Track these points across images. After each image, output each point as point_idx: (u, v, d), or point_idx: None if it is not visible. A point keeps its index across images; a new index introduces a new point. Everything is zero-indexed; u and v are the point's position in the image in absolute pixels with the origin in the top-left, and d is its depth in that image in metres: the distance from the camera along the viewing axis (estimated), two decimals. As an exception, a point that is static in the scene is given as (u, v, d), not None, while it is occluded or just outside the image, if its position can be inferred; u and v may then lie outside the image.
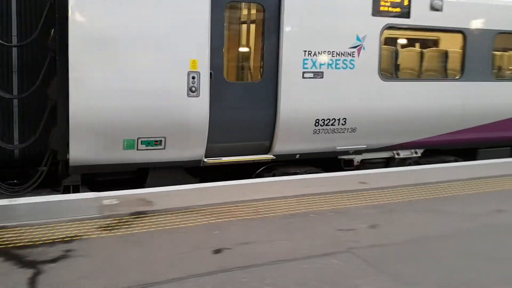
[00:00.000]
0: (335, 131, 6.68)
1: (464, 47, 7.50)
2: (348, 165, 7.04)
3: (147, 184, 5.94)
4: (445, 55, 7.94)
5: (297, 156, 6.69)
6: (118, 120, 5.49)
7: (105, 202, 4.62)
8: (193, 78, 5.77)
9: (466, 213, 4.94)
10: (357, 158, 7.10)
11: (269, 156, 6.46)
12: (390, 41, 7.82)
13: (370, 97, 6.80)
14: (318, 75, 6.43)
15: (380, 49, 6.85)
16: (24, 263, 3.48)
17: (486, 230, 4.52)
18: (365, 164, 7.13)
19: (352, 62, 6.61)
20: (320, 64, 6.41)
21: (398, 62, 7.76)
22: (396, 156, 7.30)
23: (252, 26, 6.85)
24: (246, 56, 7.04)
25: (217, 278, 3.40)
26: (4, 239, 3.84)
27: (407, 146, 7.38)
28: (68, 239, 3.90)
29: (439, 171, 6.48)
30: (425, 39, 8.73)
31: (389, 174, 6.25)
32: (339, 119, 6.65)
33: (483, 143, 8.04)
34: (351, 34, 6.60)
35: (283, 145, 6.43)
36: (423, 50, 8.27)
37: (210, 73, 5.86)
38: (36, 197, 4.76)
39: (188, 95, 5.75)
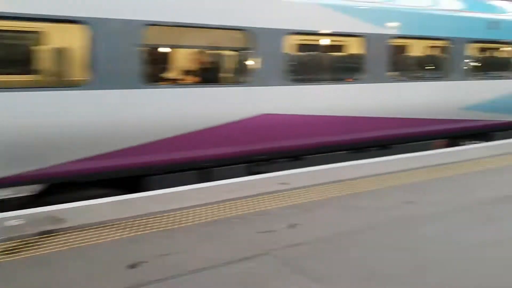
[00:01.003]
0: None
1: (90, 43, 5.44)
2: None
3: None
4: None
5: None
6: None
7: (10, 222, 4.30)
8: None
9: (376, 207, 5.16)
10: None
11: None
12: None
13: None
14: None
15: None
16: None
17: (395, 221, 4.74)
18: None
19: None
20: None
21: None
22: None
23: None
24: None
25: (131, 294, 3.29)
26: None
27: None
28: (-34, 267, 3.60)
29: (353, 168, 6.68)
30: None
31: (310, 173, 6.36)
32: None
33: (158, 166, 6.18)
34: None
35: None
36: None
37: None
38: None
39: None
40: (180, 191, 5.43)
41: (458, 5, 9.21)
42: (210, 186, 5.70)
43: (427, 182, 6.18)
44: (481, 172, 6.74)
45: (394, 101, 8.21)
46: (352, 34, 7.70)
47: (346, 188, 5.79)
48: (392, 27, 8.03)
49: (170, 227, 4.52)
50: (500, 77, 10.14)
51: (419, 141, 8.75)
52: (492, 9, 10.03)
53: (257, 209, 5.07)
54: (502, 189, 5.88)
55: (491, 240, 4.30)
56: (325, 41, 8.58)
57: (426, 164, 7.06)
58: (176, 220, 4.69)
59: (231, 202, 5.24)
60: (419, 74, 9.42)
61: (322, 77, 7.83)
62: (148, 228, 4.47)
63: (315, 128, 7.36)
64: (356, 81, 7.84)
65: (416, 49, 10.36)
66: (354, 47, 8.37)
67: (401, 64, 9.00)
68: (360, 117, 7.79)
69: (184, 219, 4.73)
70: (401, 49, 9.86)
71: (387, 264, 3.80)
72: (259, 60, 6.73)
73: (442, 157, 7.59)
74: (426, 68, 9.74)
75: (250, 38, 6.62)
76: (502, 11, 10.24)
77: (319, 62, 8.06)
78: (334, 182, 6.02)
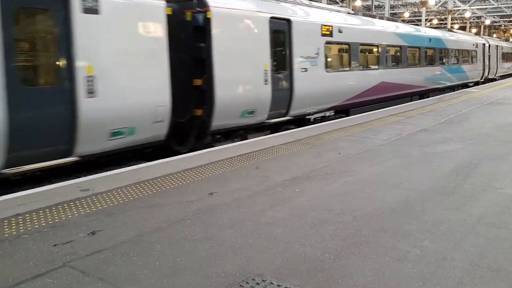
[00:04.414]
0: None
1: None
2: None
3: None
4: None
5: None
6: None
7: None
8: None
9: (181, 202, 5.28)
10: None
11: None
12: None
13: None
14: None
15: None
16: None
17: (200, 213, 4.94)
18: None
19: None
20: None
21: None
22: None
23: None
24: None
25: None
26: None
27: None
28: None
29: (160, 166, 6.75)
30: None
31: (111, 176, 6.19)
32: None
33: None
34: None
35: None
36: None
37: None
38: None
39: None
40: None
41: None
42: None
43: (229, 173, 6.57)
44: (274, 159, 7.47)
45: None
46: None
47: (151, 188, 5.77)
48: None
49: None
50: None
51: None
52: None
53: (56, 220, 4.71)
54: (291, 172, 6.61)
55: (281, 218, 4.81)
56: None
57: (227, 156, 7.52)
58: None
59: (21, 216, 4.77)
60: None
61: None
62: None
63: None
64: None
65: None
66: None
67: None
68: None
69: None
70: None
71: (187, 256, 3.93)
72: None
73: (243, 148, 8.18)
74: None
75: None
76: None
77: None
78: (138, 183, 5.95)
